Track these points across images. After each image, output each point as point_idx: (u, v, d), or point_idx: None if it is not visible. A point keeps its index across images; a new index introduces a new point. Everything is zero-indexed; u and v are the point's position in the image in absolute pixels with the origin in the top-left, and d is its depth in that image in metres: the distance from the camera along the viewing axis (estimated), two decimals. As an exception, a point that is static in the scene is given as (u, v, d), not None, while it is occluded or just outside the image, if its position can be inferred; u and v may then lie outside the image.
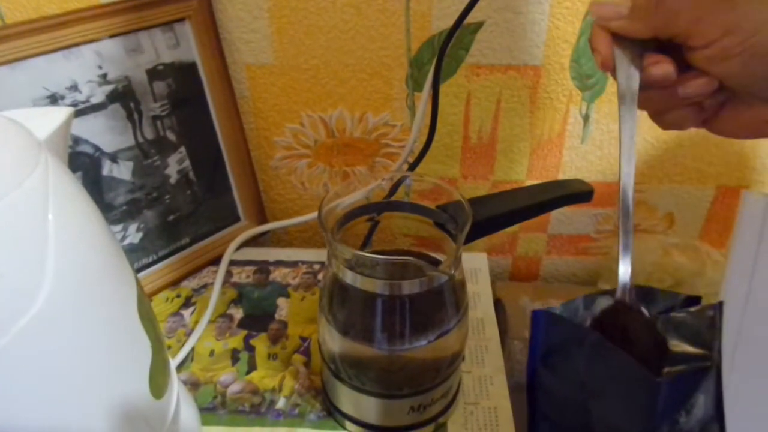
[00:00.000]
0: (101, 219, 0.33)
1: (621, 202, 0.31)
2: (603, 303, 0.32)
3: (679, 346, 0.30)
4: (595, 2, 0.34)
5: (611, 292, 0.31)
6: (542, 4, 0.54)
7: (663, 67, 0.31)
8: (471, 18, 0.54)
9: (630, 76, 0.31)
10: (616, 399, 0.29)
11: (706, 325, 0.30)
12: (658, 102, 0.33)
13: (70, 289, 0.28)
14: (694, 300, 0.31)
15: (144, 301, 0.36)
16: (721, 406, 0.31)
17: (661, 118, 0.34)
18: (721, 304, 0.30)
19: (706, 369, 0.29)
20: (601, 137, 0.61)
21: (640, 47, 0.32)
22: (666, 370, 0.30)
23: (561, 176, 0.64)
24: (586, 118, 0.60)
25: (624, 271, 0.30)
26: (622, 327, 0.30)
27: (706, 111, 0.33)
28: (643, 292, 0.31)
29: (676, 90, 0.31)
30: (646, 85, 0.32)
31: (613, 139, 0.61)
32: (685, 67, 0.31)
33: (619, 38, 0.32)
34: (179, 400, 0.40)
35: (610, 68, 0.32)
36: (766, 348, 0.44)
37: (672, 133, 0.61)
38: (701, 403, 0.30)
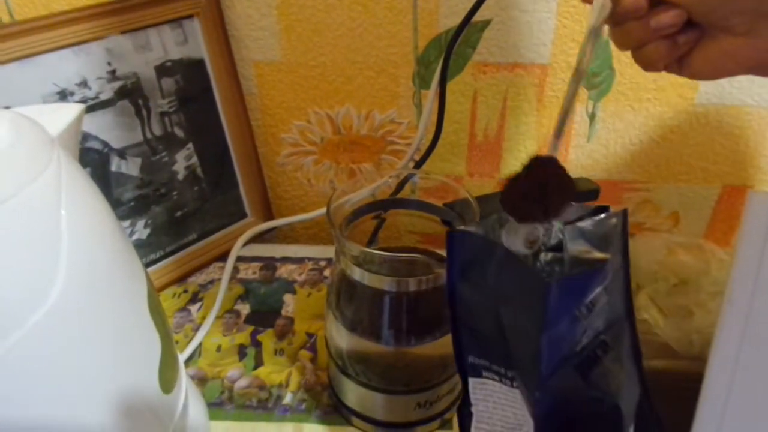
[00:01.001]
0: (112, 214, 0.33)
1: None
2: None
3: (587, 251, 0.33)
4: None
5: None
6: (549, 3, 0.54)
7: None
8: (478, 16, 0.54)
9: (603, 7, 0.33)
10: (518, 303, 0.32)
11: (612, 232, 0.32)
12: (633, 35, 0.34)
13: (82, 283, 0.29)
14: (603, 209, 0.33)
15: (154, 295, 0.36)
16: (630, 305, 0.33)
17: (639, 54, 0.36)
18: (625, 211, 0.32)
19: (598, 270, 0.31)
20: (607, 136, 0.62)
21: None
22: (558, 273, 0.33)
23: (567, 174, 0.64)
24: (592, 117, 0.61)
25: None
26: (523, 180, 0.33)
27: (679, 48, 0.34)
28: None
29: (649, 23, 0.33)
30: (619, 17, 0.33)
31: (619, 137, 0.62)
32: (656, 2, 0.33)
33: None
34: (187, 394, 0.40)
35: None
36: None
37: (678, 132, 0.61)
38: (604, 302, 0.32)
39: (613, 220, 0.32)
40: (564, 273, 0.33)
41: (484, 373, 0.35)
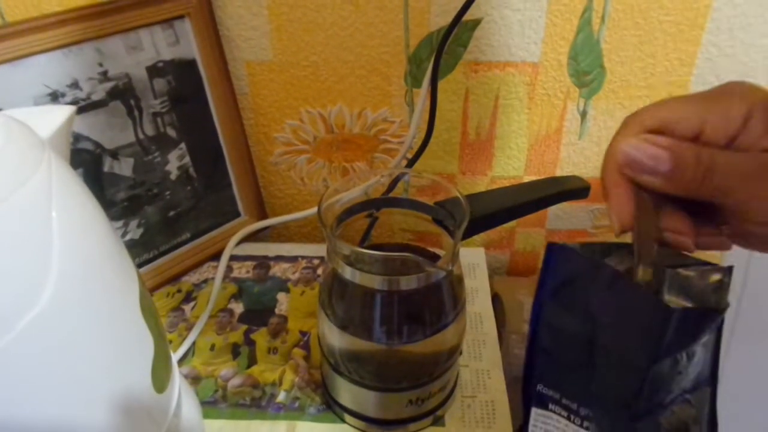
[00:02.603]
0: (103, 216, 0.33)
1: None
2: (620, 255, 0.31)
3: (678, 303, 0.30)
4: (623, 141, 0.30)
5: (626, 246, 0.30)
6: (539, 1, 0.55)
7: (683, 242, 0.29)
8: (469, 15, 0.55)
9: (646, 245, 0.29)
10: (625, 330, 0.29)
11: (713, 288, 0.30)
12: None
13: (74, 285, 0.29)
14: (709, 264, 0.30)
15: (146, 296, 0.36)
16: (715, 370, 0.31)
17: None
18: (731, 268, 0.29)
19: (714, 318, 0.29)
20: (598, 133, 0.62)
21: (658, 197, 0.29)
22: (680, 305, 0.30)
23: (558, 172, 0.65)
24: (583, 115, 0.61)
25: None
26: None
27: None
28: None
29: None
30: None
31: (611, 135, 0.62)
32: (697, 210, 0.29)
33: (640, 189, 0.29)
34: (181, 393, 0.41)
35: (629, 230, 0.29)
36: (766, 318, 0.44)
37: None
38: (700, 355, 0.30)
39: (716, 276, 0.30)
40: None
41: (551, 406, 0.33)
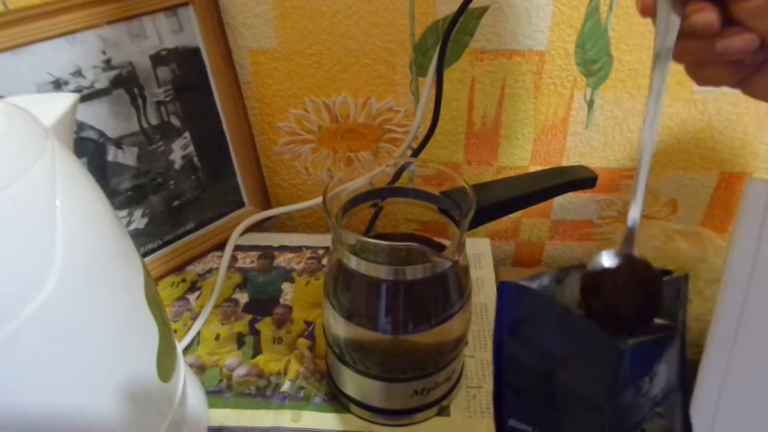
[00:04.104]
0: (107, 204, 0.33)
1: (643, 153, 0.31)
2: (573, 278, 0.32)
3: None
4: None
5: (580, 268, 0.31)
6: (547, -11, 0.54)
7: (706, 15, 0.28)
8: (475, 3, 0.54)
9: (669, 25, 0.29)
10: (580, 367, 0.30)
11: (672, 297, 0.30)
12: (696, 54, 0.31)
13: (78, 273, 0.29)
14: (664, 273, 0.31)
15: (150, 285, 0.36)
16: (684, 374, 0.31)
17: (697, 71, 0.32)
18: (686, 276, 0.30)
19: (670, 338, 0.30)
20: (605, 123, 0.61)
21: None
22: (630, 341, 0.30)
23: (565, 162, 0.64)
24: (590, 104, 0.60)
25: (634, 218, 0.30)
26: (611, 285, 0.30)
27: (744, 70, 0.31)
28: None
29: (714, 45, 0.29)
30: (685, 35, 0.29)
31: (618, 125, 0.61)
32: (728, 21, 0.29)
33: None
34: (186, 383, 0.41)
35: (651, 14, 0.30)
36: (768, 333, 0.44)
37: (676, 119, 0.60)
38: (664, 371, 0.30)
39: (675, 285, 0.30)
40: (634, 341, 0.30)
41: None
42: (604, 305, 0.30)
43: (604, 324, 0.29)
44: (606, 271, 0.30)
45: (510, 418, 0.33)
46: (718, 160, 0.63)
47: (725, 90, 0.58)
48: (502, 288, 0.32)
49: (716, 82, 0.32)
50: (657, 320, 0.30)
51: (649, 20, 0.53)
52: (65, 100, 0.33)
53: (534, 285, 0.31)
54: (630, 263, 0.30)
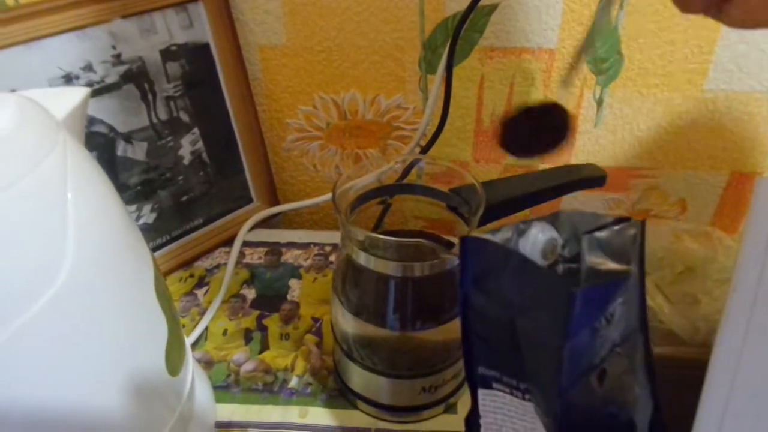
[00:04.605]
0: (118, 198, 0.33)
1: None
2: (534, 230, 0.33)
3: (603, 263, 0.32)
4: None
5: (542, 219, 0.33)
6: (558, -14, 0.54)
7: None
8: (485, 0, 0.54)
9: None
10: (537, 312, 0.31)
11: (629, 243, 0.31)
12: None
13: (89, 266, 0.29)
14: (623, 220, 0.32)
15: (160, 279, 0.36)
16: (644, 317, 0.32)
17: None
18: (643, 222, 0.31)
19: (622, 280, 0.31)
20: (614, 122, 0.61)
21: None
22: (583, 284, 0.32)
23: (574, 160, 0.64)
24: (599, 103, 0.60)
25: None
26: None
27: None
28: (573, 213, 0.33)
29: None
30: None
31: (627, 124, 0.61)
32: None
33: None
34: (194, 377, 0.41)
35: None
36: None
37: (686, 118, 0.60)
38: (621, 313, 0.31)
39: (631, 231, 0.31)
40: (582, 284, 0.32)
41: (495, 385, 0.34)
42: (518, 135, 0.31)
43: (518, 152, 0.30)
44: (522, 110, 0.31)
45: (479, 366, 0.34)
46: (728, 159, 0.63)
47: (736, 89, 0.58)
48: (464, 242, 0.32)
49: (694, 4, 0.32)
50: (611, 265, 0.32)
51: (659, 19, 0.53)
52: (77, 94, 0.33)
53: (496, 239, 0.32)
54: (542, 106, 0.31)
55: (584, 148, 0.63)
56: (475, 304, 0.34)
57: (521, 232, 0.32)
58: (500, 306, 0.33)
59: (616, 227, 0.32)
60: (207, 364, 0.50)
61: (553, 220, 0.33)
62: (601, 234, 0.32)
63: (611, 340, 0.32)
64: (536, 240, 0.32)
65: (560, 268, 0.33)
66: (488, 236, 0.33)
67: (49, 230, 0.27)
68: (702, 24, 0.55)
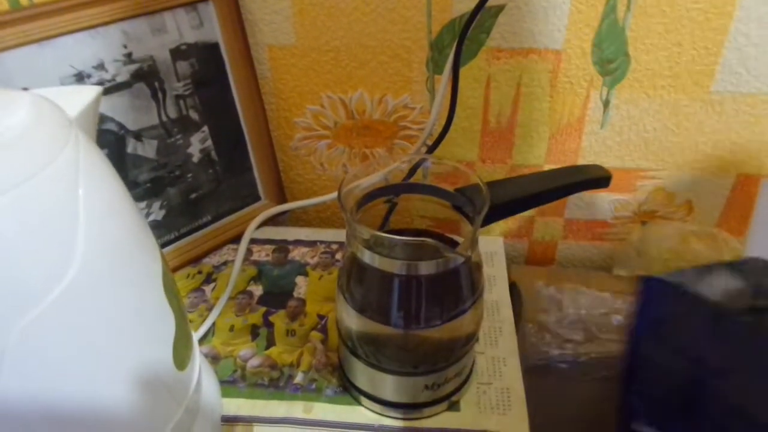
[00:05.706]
0: (128, 195, 0.34)
1: None
2: (716, 275, 0.29)
3: None
4: None
5: (721, 265, 0.28)
6: (565, -12, 0.54)
7: None
8: (492, 1, 0.54)
9: None
10: (746, 378, 0.26)
11: None
12: None
13: (99, 262, 0.29)
14: None
15: (168, 275, 0.37)
16: None
17: None
18: None
19: None
20: (620, 123, 0.61)
21: None
22: None
23: (580, 161, 0.64)
24: (606, 104, 0.60)
25: None
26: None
27: None
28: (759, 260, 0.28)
29: None
30: None
31: (634, 125, 0.61)
32: None
33: None
34: (201, 372, 0.41)
35: None
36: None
37: (693, 120, 0.60)
38: None
39: None
40: None
41: None
42: None
43: None
44: None
45: (636, 421, 0.30)
46: (735, 161, 0.63)
47: (743, 91, 0.58)
48: (646, 283, 0.29)
49: None
50: None
51: (666, 20, 0.53)
52: (89, 92, 0.34)
53: (675, 280, 0.29)
54: None
55: (591, 148, 0.63)
56: (646, 352, 0.30)
57: (700, 276, 0.28)
58: (682, 359, 0.28)
59: None
60: (214, 359, 0.51)
61: (739, 266, 0.29)
62: None
63: None
64: (721, 286, 0.28)
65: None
66: (670, 278, 0.29)
67: (60, 226, 0.28)
68: (710, 26, 0.55)
